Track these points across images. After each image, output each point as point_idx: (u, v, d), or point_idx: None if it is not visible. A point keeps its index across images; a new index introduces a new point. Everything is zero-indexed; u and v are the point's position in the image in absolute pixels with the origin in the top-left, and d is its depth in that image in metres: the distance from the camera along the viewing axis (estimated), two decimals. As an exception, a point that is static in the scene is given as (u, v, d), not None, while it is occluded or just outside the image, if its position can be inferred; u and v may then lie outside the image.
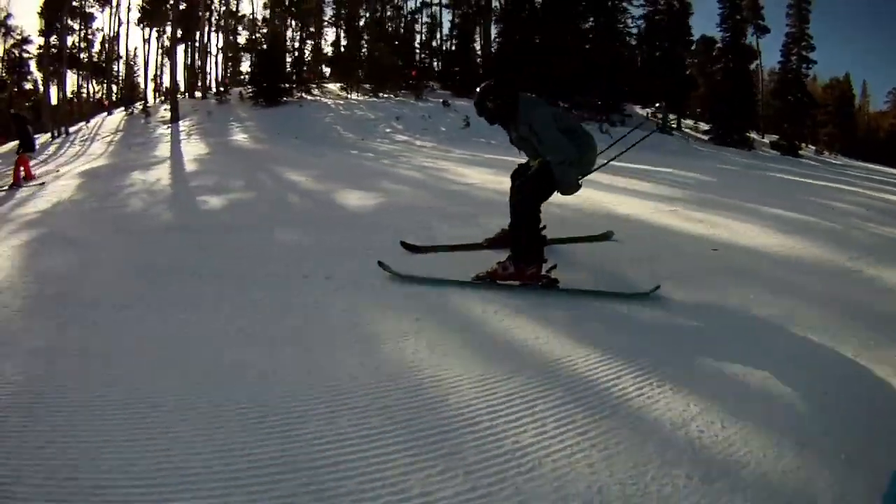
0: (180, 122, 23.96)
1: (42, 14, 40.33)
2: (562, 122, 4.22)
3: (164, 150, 18.70)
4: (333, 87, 30.03)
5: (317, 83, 29.26)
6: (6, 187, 12.06)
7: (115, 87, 42.08)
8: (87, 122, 32.19)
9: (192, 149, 17.49)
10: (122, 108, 33.72)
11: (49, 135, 30.49)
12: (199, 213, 7.89)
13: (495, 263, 4.11)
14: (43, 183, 12.41)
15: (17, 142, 13.23)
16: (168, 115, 26.02)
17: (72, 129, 30.11)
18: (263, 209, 7.93)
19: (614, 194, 8.51)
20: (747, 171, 17.86)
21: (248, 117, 24.05)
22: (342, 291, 4.24)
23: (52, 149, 25.59)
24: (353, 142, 19.30)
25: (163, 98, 36.16)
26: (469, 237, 5.44)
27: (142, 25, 40.53)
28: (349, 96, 27.93)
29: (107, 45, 41.19)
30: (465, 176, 10.95)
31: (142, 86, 43.24)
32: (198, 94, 32.88)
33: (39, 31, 40.83)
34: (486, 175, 10.85)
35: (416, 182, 10.82)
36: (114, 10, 38.80)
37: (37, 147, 14.01)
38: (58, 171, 14.47)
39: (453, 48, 37.95)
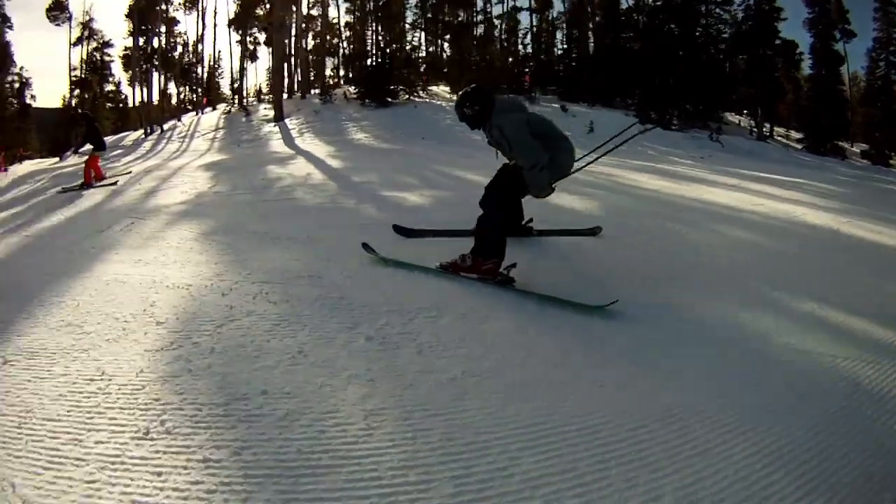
0: (287, 121, 22.74)
1: (129, 16, 40.95)
2: (536, 126, 4.24)
3: (278, 146, 17.74)
4: (437, 89, 28.66)
5: (422, 85, 27.91)
6: (77, 186, 11.49)
7: (198, 89, 42.14)
8: (179, 119, 31.78)
9: (314, 147, 16.31)
10: (209, 107, 33.35)
11: (141, 132, 30.31)
12: (405, 210, 6.70)
13: (458, 255, 4.14)
14: (115, 182, 11.53)
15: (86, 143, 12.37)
16: (270, 113, 25.05)
17: (165, 127, 29.56)
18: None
19: (785, 203, 8.52)
20: (862, 182, 16.94)
21: (361, 117, 22.69)
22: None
23: (147, 145, 25.14)
24: (485, 144, 17.65)
25: (255, 97, 35.64)
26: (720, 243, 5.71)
27: (232, 28, 40.49)
28: (460, 98, 26.47)
29: (190, 48, 41.27)
30: (641, 182, 10.08)
31: (221, 87, 43.36)
32: (293, 94, 32.05)
33: (128, 33, 41.58)
34: (661, 182, 10.34)
35: (606, 187, 9.30)
36: (200, 14, 38.80)
37: (107, 146, 13.06)
38: (130, 171, 13.57)
39: (530, 52, 37.20)
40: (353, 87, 26.74)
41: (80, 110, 21.58)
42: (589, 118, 22.07)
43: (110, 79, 45.58)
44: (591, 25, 35.64)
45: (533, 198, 4.33)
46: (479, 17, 39.83)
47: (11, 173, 19.80)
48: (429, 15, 39.77)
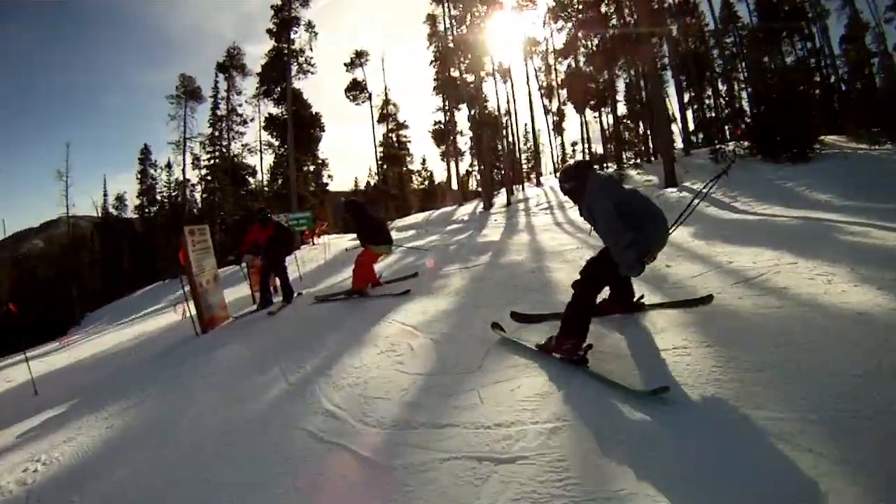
0: (685, 185, 18.47)
1: (438, 91, 40.91)
2: (626, 204, 4.30)
3: (727, 214, 13.44)
4: (828, 138, 22.60)
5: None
6: (342, 295, 8.56)
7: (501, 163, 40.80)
8: (511, 192, 29.55)
9: (807, 211, 11.41)
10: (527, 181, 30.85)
11: (472, 205, 29.20)
12: None
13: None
14: (407, 290, 7.84)
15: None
16: (649, 178, 21.57)
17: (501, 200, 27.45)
18: None
19: None
20: None
21: (786, 176, 17.07)
22: None
23: (498, 218, 22.41)
24: None
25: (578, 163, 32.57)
26: None
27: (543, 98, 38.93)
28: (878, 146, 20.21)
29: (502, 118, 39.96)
30: None
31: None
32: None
33: (440, 109, 41.63)
34: None
35: None
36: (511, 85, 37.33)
37: (392, 239, 9.05)
38: (415, 273, 9.67)
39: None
40: (737, 143, 21.80)
41: (342, 198, 19.34)
42: None
43: (408, 158, 46.22)
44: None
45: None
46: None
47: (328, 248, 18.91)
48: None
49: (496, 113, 36.81)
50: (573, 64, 38.07)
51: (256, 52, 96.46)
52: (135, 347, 9.00)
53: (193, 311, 8.36)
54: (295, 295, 9.48)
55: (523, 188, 30.22)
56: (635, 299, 5.13)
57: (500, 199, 29.55)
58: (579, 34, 35.51)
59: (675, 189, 18.30)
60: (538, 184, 31.95)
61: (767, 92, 22.85)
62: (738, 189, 15.99)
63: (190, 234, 8.36)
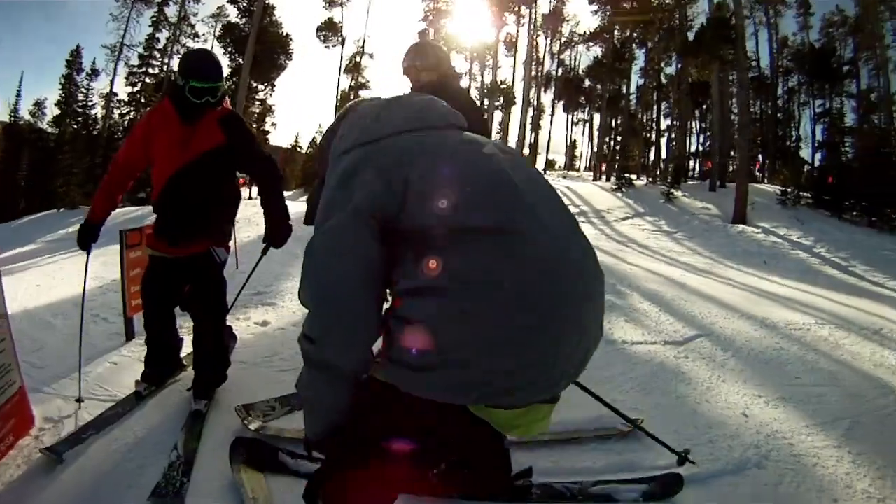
0: (762, 224, 14.16)
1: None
2: None
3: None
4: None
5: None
6: None
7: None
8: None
9: None
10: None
11: None
12: None
13: None
14: None
15: None
16: (708, 206, 17.12)
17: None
18: None
19: None
20: None
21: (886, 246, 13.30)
22: None
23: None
24: None
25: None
26: None
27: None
28: None
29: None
30: None
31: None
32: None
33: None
34: None
35: None
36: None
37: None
38: None
39: None
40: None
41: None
42: None
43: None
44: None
45: None
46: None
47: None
48: None
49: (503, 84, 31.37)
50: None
51: None
52: None
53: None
54: (233, 344, 4.09)
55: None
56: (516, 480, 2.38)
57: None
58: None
59: (755, 229, 13.76)
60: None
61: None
62: (842, 249, 12.45)
63: None
